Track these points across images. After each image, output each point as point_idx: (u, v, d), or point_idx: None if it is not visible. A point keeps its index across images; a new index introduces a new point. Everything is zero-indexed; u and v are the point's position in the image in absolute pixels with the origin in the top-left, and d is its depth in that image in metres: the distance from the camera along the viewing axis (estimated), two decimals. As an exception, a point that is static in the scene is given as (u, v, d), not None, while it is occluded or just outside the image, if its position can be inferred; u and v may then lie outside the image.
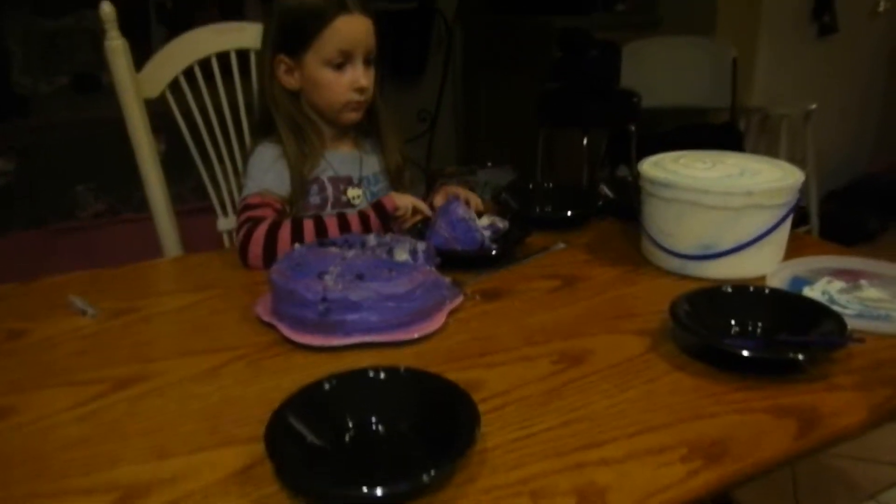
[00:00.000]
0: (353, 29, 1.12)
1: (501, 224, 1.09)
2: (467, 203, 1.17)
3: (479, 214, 1.13)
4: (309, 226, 1.05)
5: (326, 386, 0.62)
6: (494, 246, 1.03)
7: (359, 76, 1.14)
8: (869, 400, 0.66)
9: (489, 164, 3.22)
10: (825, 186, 3.19)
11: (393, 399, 0.63)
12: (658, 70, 2.78)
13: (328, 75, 1.13)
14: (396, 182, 1.25)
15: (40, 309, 0.92)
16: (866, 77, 3.39)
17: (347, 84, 1.13)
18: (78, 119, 2.62)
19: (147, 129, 1.28)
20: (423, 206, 1.13)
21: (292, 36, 1.13)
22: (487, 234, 1.05)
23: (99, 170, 2.48)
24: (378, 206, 1.10)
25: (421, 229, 1.09)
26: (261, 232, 1.03)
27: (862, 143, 3.53)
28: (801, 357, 0.70)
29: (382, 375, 0.64)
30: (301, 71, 1.14)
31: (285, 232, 1.04)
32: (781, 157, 2.69)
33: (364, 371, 0.64)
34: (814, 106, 2.87)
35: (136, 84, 1.26)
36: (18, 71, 2.88)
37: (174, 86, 1.31)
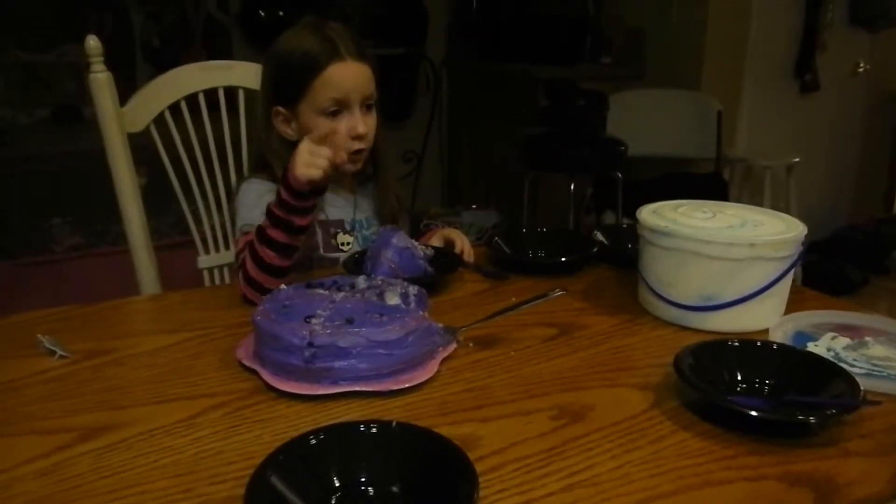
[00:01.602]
0: (346, 76, 1.08)
1: (429, 250, 1.08)
2: (450, 244, 1.15)
3: (465, 261, 1.12)
4: (257, 238, 1.00)
5: (312, 441, 0.57)
6: (432, 270, 1.04)
7: (356, 123, 1.10)
8: (887, 468, 0.63)
9: (474, 206, 3.21)
10: (807, 238, 3.20)
11: (384, 457, 0.58)
12: (645, 120, 2.81)
13: (323, 124, 1.08)
14: (390, 223, 1.21)
15: (6, 348, 0.86)
16: (847, 133, 3.46)
17: (345, 133, 1.10)
18: (56, 151, 2.58)
19: (129, 162, 1.24)
20: (330, 159, 0.97)
21: (286, 87, 1.11)
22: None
23: (76, 203, 2.43)
24: (285, 183, 0.97)
25: (359, 260, 1.06)
26: (241, 267, 1.00)
27: (843, 195, 3.58)
28: (812, 420, 0.67)
29: (373, 430, 0.59)
30: (297, 121, 1.11)
31: (247, 258, 1.00)
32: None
33: (353, 425, 0.60)
34: (796, 159, 2.91)
35: (119, 117, 1.22)
36: (-1, 103, 2.85)
37: (159, 120, 1.28)
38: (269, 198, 1.07)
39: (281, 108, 1.12)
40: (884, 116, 3.53)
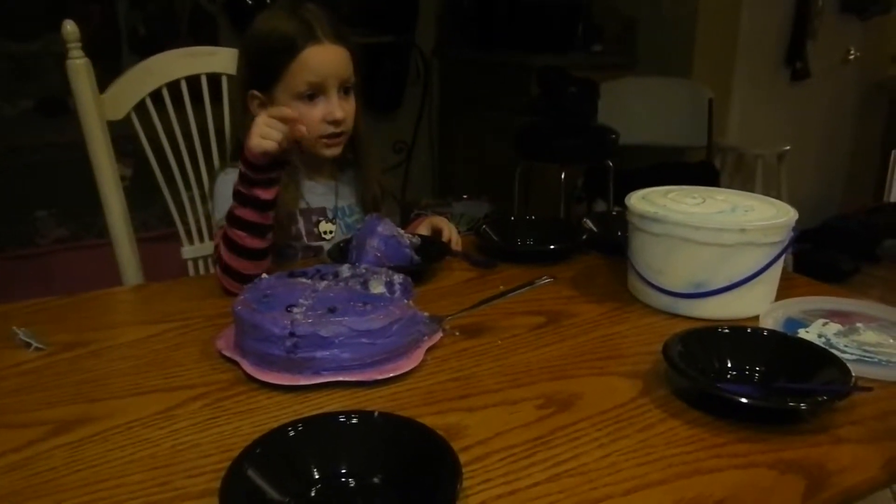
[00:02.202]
0: (323, 60, 1.06)
1: (415, 239, 1.07)
2: (438, 232, 1.14)
3: (453, 250, 1.10)
4: (228, 222, 0.98)
5: (291, 432, 0.56)
6: (419, 259, 1.03)
7: (333, 108, 1.08)
8: (879, 454, 0.62)
9: (465, 196, 3.20)
10: (798, 226, 3.20)
11: (365, 448, 0.57)
12: (636, 108, 2.79)
13: (300, 108, 1.06)
14: (372, 211, 1.19)
15: (-19, 341, 0.84)
16: (838, 120, 3.45)
17: (320, 117, 1.08)
18: (41, 143, 2.54)
19: (109, 152, 1.21)
20: (285, 133, 0.94)
21: (262, 71, 1.08)
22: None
23: (62, 195, 2.39)
24: (242, 156, 0.95)
25: (344, 249, 1.05)
26: (217, 258, 0.98)
27: (834, 184, 3.58)
28: (803, 406, 0.65)
29: (354, 421, 0.58)
30: (273, 104, 1.09)
31: (221, 247, 0.98)
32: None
33: (333, 416, 0.58)
34: (787, 147, 2.90)
35: (99, 105, 1.20)
36: (-19, 94, 2.80)
37: (141, 109, 1.25)
38: None
39: (257, 93, 1.09)
40: (875, 104, 3.52)
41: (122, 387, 0.74)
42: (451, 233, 1.15)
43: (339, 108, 1.08)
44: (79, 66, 1.17)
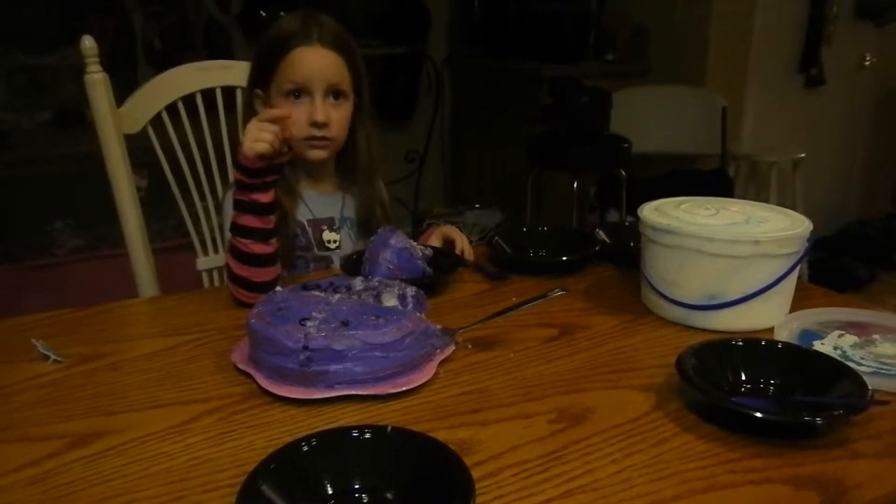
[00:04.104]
0: (309, 60, 1.07)
1: (427, 251, 1.07)
2: (449, 243, 1.15)
3: (465, 261, 1.11)
4: (232, 232, 0.99)
5: (305, 447, 0.56)
6: (431, 271, 1.03)
7: (315, 110, 1.08)
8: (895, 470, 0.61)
9: (477, 205, 3.20)
10: (813, 234, 3.17)
11: (379, 463, 0.57)
12: (649, 117, 2.79)
13: (284, 106, 1.07)
14: (364, 231, 1.18)
15: (1, 353, 0.85)
16: (853, 127, 3.43)
17: (304, 118, 1.08)
18: (58, 154, 2.57)
19: (126, 164, 1.23)
20: (276, 134, 0.95)
21: (261, 69, 1.11)
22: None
23: (78, 205, 2.42)
24: (237, 163, 0.97)
25: (357, 261, 1.05)
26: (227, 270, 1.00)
27: (850, 191, 3.55)
28: (819, 421, 0.65)
29: (367, 435, 0.58)
30: (269, 103, 1.11)
31: (229, 258, 0.99)
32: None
33: (347, 430, 0.58)
34: (802, 154, 2.88)
35: (116, 119, 1.21)
36: (1, 107, 2.84)
37: (157, 122, 1.27)
38: None
39: (259, 91, 1.12)
40: (891, 110, 3.49)
41: (138, 400, 0.75)
42: (462, 243, 1.15)
43: (321, 112, 1.08)
44: (97, 81, 1.18)
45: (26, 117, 2.91)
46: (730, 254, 0.85)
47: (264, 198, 0.97)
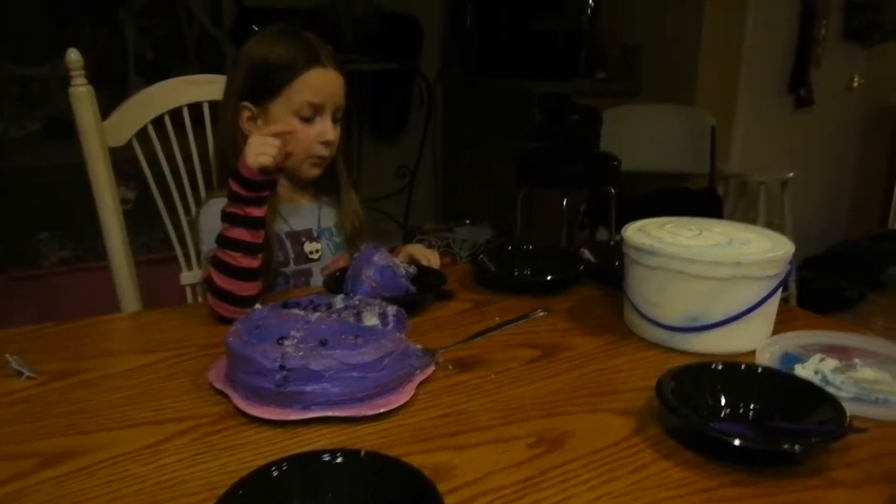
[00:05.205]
0: (325, 83, 1.11)
1: (411, 269, 1.07)
2: (425, 260, 1.16)
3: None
4: (219, 245, 0.99)
5: (274, 472, 0.55)
6: (415, 289, 1.04)
7: (327, 130, 1.12)
8: (874, 498, 0.61)
9: (468, 221, 3.20)
10: (802, 253, 3.20)
11: (350, 488, 0.56)
12: (638, 135, 2.80)
13: (295, 125, 1.10)
14: (351, 243, 1.21)
15: (-27, 369, 0.84)
16: (842, 147, 3.45)
17: (315, 137, 1.12)
18: (47, 164, 2.56)
19: (110, 177, 1.22)
20: (279, 148, 0.98)
21: (260, 84, 1.11)
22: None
23: (66, 216, 2.40)
24: (237, 175, 0.97)
25: (339, 278, 1.05)
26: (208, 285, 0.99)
27: (838, 210, 3.57)
28: (797, 448, 0.64)
29: (339, 460, 0.57)
30: (265, 119, 1.12)
31: (212, 272, 0.98)
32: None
33: (318, 455, 0.58)
34: (791, 174, 2.89)
35: (100, 132, 1.21)
36: (-10, 116, 2.83)
37: (143, 134, 1.26)
38: None
39: (248, 105, 1.12)
40: (879, 130, 3.53)
41: (112, 419, 0.74)
42: (427, 255, 1.15)
43: (332, 132, 1.13)
44: (81, 94, 1.18)
45: (15, 127, 2.90)
46: (712, 275, 0.85)
47: (257, 212, 0.98)
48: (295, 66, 1.09)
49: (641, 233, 0.93)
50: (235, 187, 0.97)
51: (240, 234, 0.98)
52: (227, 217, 0.98)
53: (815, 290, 2.95)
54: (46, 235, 2.43)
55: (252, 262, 0.99)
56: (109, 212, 1.22)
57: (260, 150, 0.96)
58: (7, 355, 0.83)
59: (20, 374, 0.81)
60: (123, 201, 2.58)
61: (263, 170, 0.97)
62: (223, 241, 0.98)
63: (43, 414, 0.74)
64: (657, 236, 0.91)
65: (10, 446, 0.68)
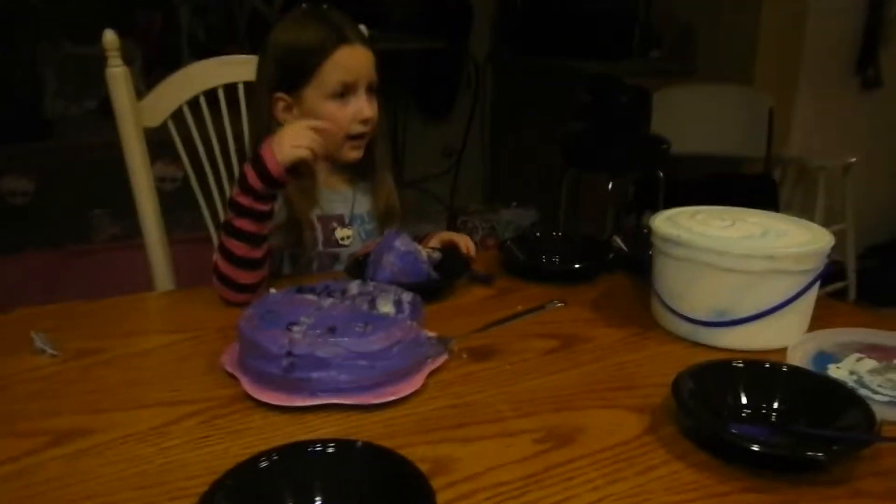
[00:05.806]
0: (354, 59, 1.09)
1: (435, 255, 1.05)
2: (465, 246, 1.12)
3: (470, 259, 1.09)
4: (224, 232, 0.97)
5: (263, 463, 0.54)
6: (437, 276, 1.01)
7: (363, 106, 1.10)
8: (900, 512, 0.57)
9: (514, 203, 3.16)
10: (864, 241, 3.05)
11: (343, 479, 0.55)
12: (691, 117, 2.70)
13: (330, 107, 1.09)
14: (386, 224, 1.18)
15: (2, 344, 0.86)
16: (910, 131, 3.27)
17: (351, 115, 1.10)
18: (102, 142, 2.62)
19: (145, 157, 1.24)
20: (316, 140, 0.95)
21: (291, 72, 1.10)
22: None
23: (117, 193, 2.47)
24: (257, 162, 0.93)
25: (362, 263, 1.03)
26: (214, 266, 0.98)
27: (905, 198, 3.38)
28: (819, 456, 0.61)
29: (331, 450, 0.56)
30: (300, 107, 1.10)
31: (217, 256, 0.97)
32: (818, 210, 2.59)
33: (310, 445, 0.57)
34: (854, 159, 2.75)
35: (136, 112, 1.22)
36: (52, 95, 2.92)
37: (180, 116, 1.28)
38: None
39: (283, 95, 1.11)
40: (952, 114, 3.32)
41: (127, 398, 0.75)
42: (465, 242, 1.12)
43: (369, 107, 1.11)
44: (117, 74, 1.20)
45: (74, 105, 2.98)
46: (742, 269, 0.81)
47: (267, 206, 0.96)
48: (324, 48, 1.07)
49: (670, 222, 0.89)
50: (252, 179, 0.93)
51: (245, 224, 0.95)
52: (235, 206, 0.95)
53: (877, 281, 2.81)
54: (99, 212, 2.50)
55: (255, 254, 0.96)
56: (144, 191, 1.24)
57: (297, 142, 0.92)
58: (32, 332, 0.85)
59: (43, 351, 0.83)
60: (172, 180, 2.60)
61: (294, 166, 0.93)
62: (228, 229, 0.96)
63: (60, 392, 0.76)
64: (686, 227, 0.87)
65: (28, 422, 0.70)
